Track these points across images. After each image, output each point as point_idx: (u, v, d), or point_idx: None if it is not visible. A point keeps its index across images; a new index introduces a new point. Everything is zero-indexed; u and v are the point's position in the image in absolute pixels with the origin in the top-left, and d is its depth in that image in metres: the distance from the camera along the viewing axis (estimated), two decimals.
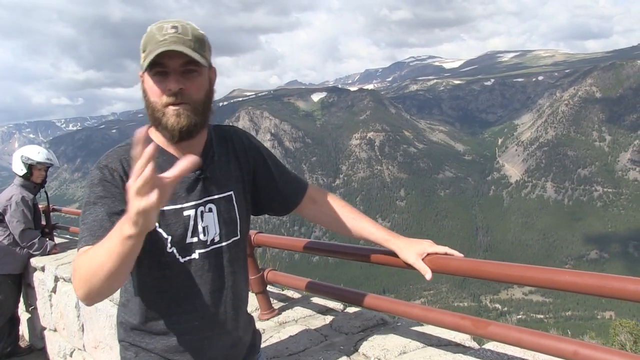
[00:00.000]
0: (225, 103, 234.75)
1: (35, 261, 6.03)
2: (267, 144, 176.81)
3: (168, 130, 1.55)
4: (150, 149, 1.13)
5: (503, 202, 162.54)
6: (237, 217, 1.75)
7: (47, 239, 6.09)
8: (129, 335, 1.72)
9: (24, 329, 6.74)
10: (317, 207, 2.03)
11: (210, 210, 1.67)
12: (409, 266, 1.97)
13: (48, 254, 5.96)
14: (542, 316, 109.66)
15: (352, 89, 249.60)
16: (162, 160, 1.55)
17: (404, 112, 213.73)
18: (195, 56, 1.49)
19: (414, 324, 2.71)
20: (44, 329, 6.12)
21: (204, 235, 1.65)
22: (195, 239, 1.63)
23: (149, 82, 1.53)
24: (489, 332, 2.04)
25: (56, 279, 5.51)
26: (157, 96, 1.53)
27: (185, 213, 1.61)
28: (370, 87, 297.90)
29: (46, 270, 5.80)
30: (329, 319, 3.11)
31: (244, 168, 1.82)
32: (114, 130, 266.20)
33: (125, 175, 1.52)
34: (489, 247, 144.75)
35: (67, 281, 5.22)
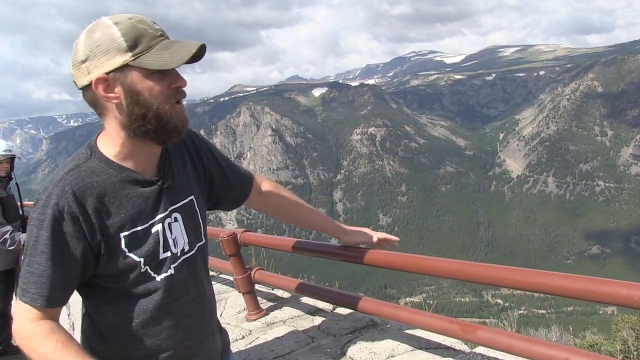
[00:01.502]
0: (226, 98, 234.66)
1: None
2: (268, 140, 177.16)
3: (176, 131, 1.47)
4: None
5: (504, 197, 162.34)
6: (200, 221, 1.70)
7: (21, 233, 5.68)
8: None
9: None
10: (262, 198, 2.03)
11: (175, 219, 1.59)
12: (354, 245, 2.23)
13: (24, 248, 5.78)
14: (543, 311, 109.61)
15: (353, 84, 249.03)
16: (120, 179, 1.48)
17: (405, 107, 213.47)
18: (204, 54, 1.44)
19: (404, 325, 2.67)
20: None
21: (175, 247, 1.57)
22: (168, 254, 1.55)
23: (145, 82, 1.39)
24: (478, 337, 2.01)
25: None
26: (161, 96, 1.41)
27: (154, 229, 1.52)
28: (371, 82, 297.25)
29: None
30: (317, 320, 3.05)
31: (199, 168, 1.75)
32: None
33: (81, 212, 1.40)
34: (490, 243, 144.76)
35: None
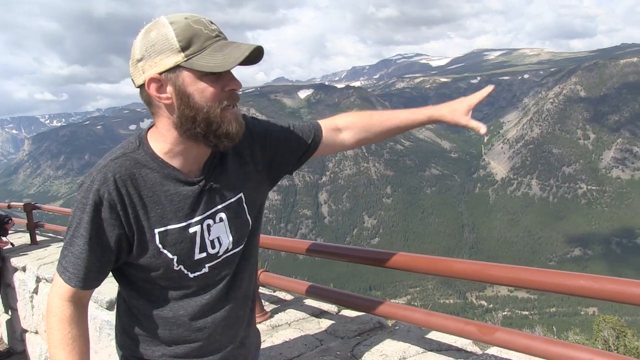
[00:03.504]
0: None
1: (15, 261, 5.86)
2: None
3: (229, 138, 1.44)
4: None
5: (489, 199, 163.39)
6: (248, 217, 1.65)
7: None
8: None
9: (2, 332, 6.56)
10: (345, 132, 1.90)
11: (220, 219, 1.56)
12: (463, 126, 1.84)
13: None
14: (527, 313, 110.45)
15: (339, 86, 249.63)
16: (162, 175, 1.47)
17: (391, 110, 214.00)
18: (262, 55, 1.40)
19: (412, 327, 2.64)
20: (25, 331, 5.94)
21: (213, 248, 1.55)
22: (203, 255, 1.53)
23: (197, 84, 1.36)
24: (496, 339, 1.98)
25: (38, 280, 5.34)
26: (213, 99, 1.38)
27: (191, 230, 1.50)
28: (357, 84, 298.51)
29: (27, 270, 5.62)
30: (323, 322, 3.02)
31: (250, 161, 1.67)
32: (99, 127, 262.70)
33: (121, 201, 1.42)
34: (475, 245, 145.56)
35: (49, 282, 5.05)
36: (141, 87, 1.41)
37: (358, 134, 1.91)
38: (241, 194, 1.62)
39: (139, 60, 1.37)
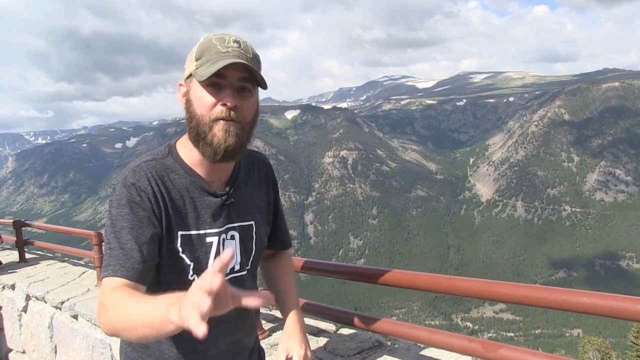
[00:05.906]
0: None
1: (4, 279, 5.78)
2: None
3: (212, 147, 1.48)
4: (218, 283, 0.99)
5: (474, 221, 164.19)
6: (254, 248, 1.70)
7: None
8: None
9: None
10: (270, 261, 1.95)
11: (232, 237, 1.62)
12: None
13: None
14: (512, 334, 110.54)
15: (326, 107, 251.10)
16: (189, 182, 1.55)
17: (377, 131, 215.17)
18: (259, 76, 1.47)
19: (411, 345, 2.63)
20: (10, 350, 5.84)
21: None
22: None
23: (199, 92, 1.46)
24: (500, 356, 1.97)
25: (28, 298, 5.27)
26: (207, 109, 1.45)
27: (208, 239, 1.56)
28: (343, 105, 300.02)
29: (16, 288, 5.54)
30: (322, 340, 3.00)
31: (266, 199, 1.78)
32: (84, 145, 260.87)
33: (154, 196, 1.48)
34: (460, 266, 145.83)
35: (39, 300, 4.99)
36: None
37: (267, 270, 1.93)
38: (252, 222, 1.68)
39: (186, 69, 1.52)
